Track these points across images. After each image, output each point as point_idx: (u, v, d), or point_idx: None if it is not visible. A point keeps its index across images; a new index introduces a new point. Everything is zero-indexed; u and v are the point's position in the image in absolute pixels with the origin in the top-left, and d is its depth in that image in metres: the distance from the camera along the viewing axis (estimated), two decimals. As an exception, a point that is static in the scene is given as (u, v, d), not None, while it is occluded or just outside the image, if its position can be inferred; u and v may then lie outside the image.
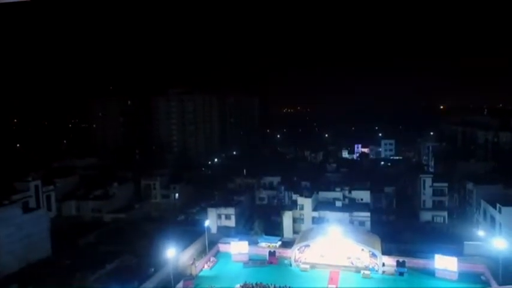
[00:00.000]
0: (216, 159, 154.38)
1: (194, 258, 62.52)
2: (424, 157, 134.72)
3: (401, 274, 57.71)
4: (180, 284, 55.42)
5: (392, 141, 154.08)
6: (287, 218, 73.15)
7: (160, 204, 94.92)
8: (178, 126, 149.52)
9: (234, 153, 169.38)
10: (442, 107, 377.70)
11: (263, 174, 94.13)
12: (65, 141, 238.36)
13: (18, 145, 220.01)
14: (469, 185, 79.40)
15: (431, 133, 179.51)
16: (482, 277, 55.56)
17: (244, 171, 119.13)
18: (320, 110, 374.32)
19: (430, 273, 57.35)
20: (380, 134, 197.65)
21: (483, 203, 70.26)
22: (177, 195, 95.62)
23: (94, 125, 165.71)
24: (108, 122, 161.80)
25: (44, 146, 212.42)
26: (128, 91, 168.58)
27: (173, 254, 56.07)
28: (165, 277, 57.29)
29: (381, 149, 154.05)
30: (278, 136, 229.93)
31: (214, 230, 75.27)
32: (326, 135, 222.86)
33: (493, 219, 65.72)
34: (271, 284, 55.43)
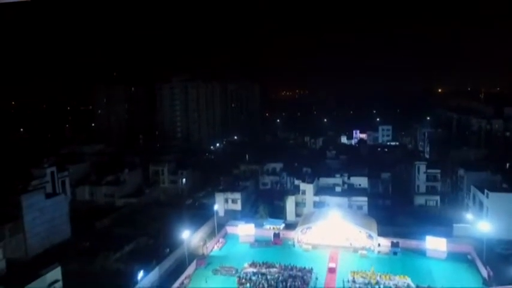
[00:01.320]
0: (218, 144, 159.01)
1: (205, 240, 67.67)
2: (420, 143, 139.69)
3: (395, 254, 62.99)
4: (194, 263, 60.52)
5: (390, 127, 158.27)
6: (290, 203, 78.24)
7: (169, 189, 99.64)
8: (182, 112, 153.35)
9: (235, 137, 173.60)
10: (440, 90, 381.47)
11: (266, 161, 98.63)
12: (67, 126, 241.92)
13: (21, 129, 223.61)
14: (461, 171, 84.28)
15: (428, 118, 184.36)
16: (469, 256, 60.97)
17: (247, 156, 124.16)
18: (318, 93, 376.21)
19: (422, 253, 62.62)
20: (378, 119, 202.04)
21: (473, 189, 75.18)
22: (184, 180, 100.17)
23: (99, 111, 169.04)
24: (113, 108, 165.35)
25: (48, 130, 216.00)
26: (132, 78, 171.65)
27: (187, 235, 61.06)
28: (179, 257, 62.41)
29: (378, 135, 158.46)
30: (278, 121, 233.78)
31: (221, 213, 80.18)
32: (325, 119, 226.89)
33: (481, 203, 70.76)
34: (276, 263, 60.61)
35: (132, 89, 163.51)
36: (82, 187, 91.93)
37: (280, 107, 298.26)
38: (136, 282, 49.17)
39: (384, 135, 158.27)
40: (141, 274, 48.28)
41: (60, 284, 40.78)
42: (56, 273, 40.29)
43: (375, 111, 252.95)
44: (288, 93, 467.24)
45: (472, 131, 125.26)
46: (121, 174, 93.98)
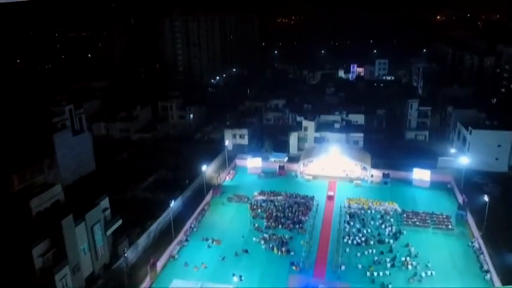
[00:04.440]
0: (218, 77, 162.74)
1: (219, 172, 76.04)
2: (414, 77, 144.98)
3: (385, 183, 72.04)
4: (210, 192, 69.26)
5: (386, 61, 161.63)
6: (293, 138, 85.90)
7: (178, 124, 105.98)
8: (183, 46, 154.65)
9: (234, 70, 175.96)
10: (438, 17, 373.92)
11: (269, 97, 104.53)
12: (63, 56, 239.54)
13: (18, 60, 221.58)
14: (449, 109, 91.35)
15: (424, 50, 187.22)
16: (449, 185, 70.35)
17: (248, 91, 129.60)
18: (314, 20, 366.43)
19: (408, 183, 71.77)
20: (375, 51, 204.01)
21: (458, 125, 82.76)
22: (191, 115, 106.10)
23: (99, 44, 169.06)
24: (112, 40, 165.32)
25: (43, 60, 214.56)
26: (131, 10, 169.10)
27: (203, 168, 68.98)
28: (197, 186, 71.11)
29: (374, 68, 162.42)
30: (275, 52, 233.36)
31: (230, 147, 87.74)
32: (322, 51, 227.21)
33: (464, 139, 78.85)
34: (282, 191, 69.58)
35: (132, 21, 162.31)
36: (98, 123, 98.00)
37: (276, 36, 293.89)
38: (166, 208, 58.03)
39: (381, 68, 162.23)
40: (172, 202, 56.80)
41: (109, 211, 49.03)
42: (105, 202, 48.32)
43: (372, 41, 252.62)
44: (284, 20, 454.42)
45: (464, 67, 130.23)
46: (134, 110, 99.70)
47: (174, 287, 44.05)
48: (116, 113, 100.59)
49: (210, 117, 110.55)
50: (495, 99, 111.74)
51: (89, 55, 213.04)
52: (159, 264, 49.56)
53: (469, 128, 76.56)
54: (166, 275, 48.56)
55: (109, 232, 48.35)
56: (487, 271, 47.44)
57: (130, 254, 50.93)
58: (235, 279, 44.36)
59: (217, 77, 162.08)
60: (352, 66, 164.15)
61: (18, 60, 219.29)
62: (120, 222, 49.97)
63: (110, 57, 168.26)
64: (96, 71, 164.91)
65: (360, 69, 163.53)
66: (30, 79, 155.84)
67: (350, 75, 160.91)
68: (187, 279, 45.92)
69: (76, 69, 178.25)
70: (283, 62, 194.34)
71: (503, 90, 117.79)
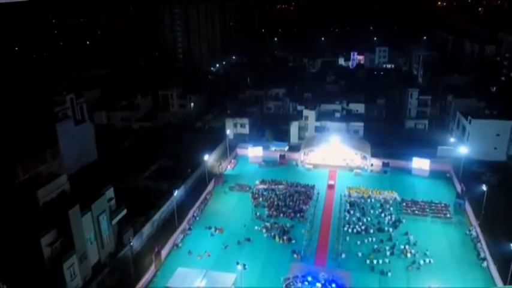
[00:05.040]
0: (217, 65, 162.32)
1: (220, 161, 76.74)
2: (415, 65, 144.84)
3: (385, 172, 72.88)
4: (212, 181, 70.02)
5: (386, 49, 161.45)
6: (294, 127, 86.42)
7: (178, 113, 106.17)
8: (183, 33, 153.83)
9: (234, 57, 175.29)
10: (439, 3, 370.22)
11: (270, 87, 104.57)
12: (61, 43, 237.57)
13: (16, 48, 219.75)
14: (449, 98, 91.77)
15: (424, 38, 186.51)
16: (448, 174, 71.28)
17: (248, 79, 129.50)
18: (314, 5, 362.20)
19: (408, 172, 72.63)
20: (375, 38, 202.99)
21: (458, 114, 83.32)
22: (192, 104, 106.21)
23: (98, 32, 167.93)
24: (112, 28, 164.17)
25: (42, 48, 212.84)
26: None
27: (205, 157, 69.55)
28: (199, 175, 71.88)
29: (375, 56, 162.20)
30: (275, 39, 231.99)
31: (231, 136, 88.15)
32: (322, 38, 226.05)
33: (464, 128, 79.52)
34: (283, 180, 70.42)
35: (131, 8, 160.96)
36: (99, 112, 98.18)
37: (276, 22, 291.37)
38: (169, 197, 58.82)
39: (381, 56, 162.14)
40: (175, 192, 57.60)
41: (113, 201, 49.82)
42: (110, 192, 49.05)
43: (371, 28, 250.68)
44: (283, 6, 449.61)
45: (465, 55, 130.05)
46: (134, 99, 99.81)
47: (178, 275, 44.99)
48: (117, 101, 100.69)
49: (210, 105, 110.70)
50: (495, 88, 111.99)
51: (88, 42, 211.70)
52: (164, 253, 50.62)
53: (469, 117, 77.16)
54: (171, 263, 49.61)
55: (114, 221, 49.22)
56: (484, 259, 48.65)
57: (135, 243, 51.87)
58: (239, 267, 45.38)
59: (217, 65, 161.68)
60: (352, 53, 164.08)
61: (16, 48, 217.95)
62: (125, 211, 50.79)
63: (109, 45, 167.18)
64: (96, 58, 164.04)
65: (360, 57, 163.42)
66: (29, 67, 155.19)
67: (350, 63, 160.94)
68: (192, 267, 46.91)
69: (75, 56, 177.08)
70: (283, 49, 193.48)
71: (503, 78, 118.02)
